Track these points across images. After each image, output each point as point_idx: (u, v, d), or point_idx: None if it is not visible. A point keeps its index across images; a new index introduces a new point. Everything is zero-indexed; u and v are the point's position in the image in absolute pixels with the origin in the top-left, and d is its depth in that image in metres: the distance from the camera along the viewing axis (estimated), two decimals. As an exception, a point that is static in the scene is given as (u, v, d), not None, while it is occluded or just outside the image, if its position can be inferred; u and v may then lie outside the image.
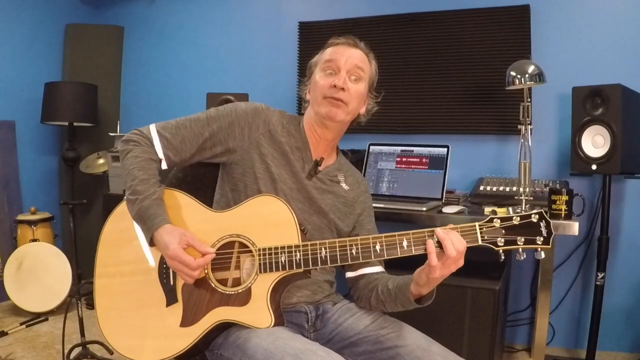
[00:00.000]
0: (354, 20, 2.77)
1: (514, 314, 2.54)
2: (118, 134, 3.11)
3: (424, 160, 2.29)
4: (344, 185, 1.34)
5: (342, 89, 1.22)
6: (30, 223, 2.95)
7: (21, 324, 2.63)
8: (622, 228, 2.36)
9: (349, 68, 1.24)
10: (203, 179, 1.40)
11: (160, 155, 1.22)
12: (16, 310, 2.78)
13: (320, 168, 1.30)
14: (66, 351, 2.14)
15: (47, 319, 2.73)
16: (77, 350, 2.19)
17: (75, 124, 3.04)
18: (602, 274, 2.11)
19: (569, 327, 2.48)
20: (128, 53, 3.53)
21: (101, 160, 3.08)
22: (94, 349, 2.21)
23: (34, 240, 2.93)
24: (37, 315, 2.73)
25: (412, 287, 1.12)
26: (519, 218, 1.06)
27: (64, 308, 2.61)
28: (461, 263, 1.05)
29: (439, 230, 1.05)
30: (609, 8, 2.36)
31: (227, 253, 1.14)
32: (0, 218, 3.04)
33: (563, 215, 1.80)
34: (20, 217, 3.00)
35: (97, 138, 3.33)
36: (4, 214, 3.06)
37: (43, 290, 2.78)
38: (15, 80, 3.14)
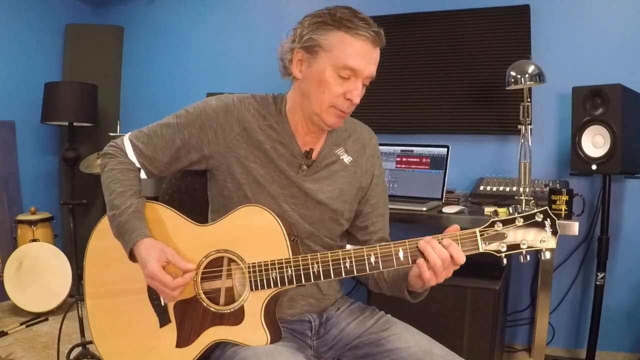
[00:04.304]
0: (354, 20, 2.77)
1: (514, 314, 2.54)
2: (118, 134, 3.11)
3: (424, 160, 2.29)
4: (344, 158, 1.22)
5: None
6: (30, 223, 2.95)
7: (21, 324, 2.63)
8: (622, 228, 2.36)
9: (366, 76, 1.10)
10: (202, 178, 1.39)
11: (137, 165, 1.17)
12: (16, 310, 2.78)
13: (312, 157, 1.18)
14: (66, 351, 2.14)
15: (47, 319, 2.73)
16: (77, 350, 2.19)
17: (75, 124, 3.04)
18: (602, 274, 2.11)
19: (569, 327, 2.48)
20: (128, 53, 3.53)
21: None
22: (94, 349, 2.20)
23: (34, 240, 2.92)
24: (37, 315, 2.73)
25: (408, 286, 1.12)
26: (522, 219, 0.99)
27: (64, 308, 2.62)
28: (453, 268, 1.01)
29: (421, 243, 1.01)
30: (609, 8, 2.36)
31: (216, 271, 1.10)
32: (0, 218, 3.04)
33: (563, 215, 1.80)
34: (20, 217, 3.00)
35: (97, 138, 3.33)
36: (4, 214, 3.06)
37: (43, 290, 2.78)
38: (15, 80, 3.14)
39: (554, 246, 0.98)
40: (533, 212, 0.99)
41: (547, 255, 0.99)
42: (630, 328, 2.36)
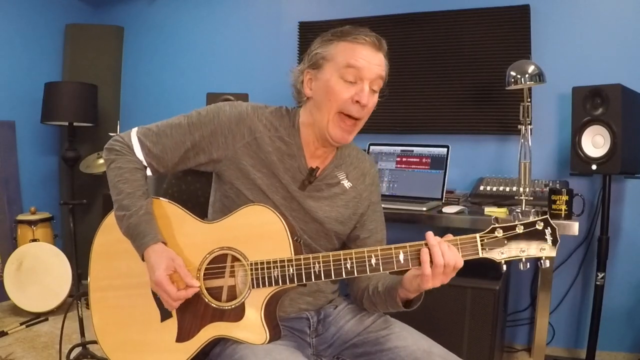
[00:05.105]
0: (354, 20, 2.77)
1: (514, 314, 2.54)
2: (118, 134, 3.11)
3: (424, 160, 2.29)
4: (345, 183, 1.24)
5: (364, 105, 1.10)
6: (30, 223, 2.95)
7: (21, 324, 2.63)
8: (622, 228, 2.36)
9: (372, 79, 1.11)
10: (202, 178, 1.39)
11: (144, 163, 1.17)
12: (16, 310, 2.78)
13: (316, 175, 1.20)
14: (66, 351, 2.14)
15: (47, 319, 2.73)
16: (77, 350, 2.19)
17: (75, 124, 3.04)
18: (602, 274, 2.11)
19: (569, 327, 2.48)
20: (128, 53, 3.53)
21: (101, 160, 3.07)
22: (94, 349, 2.21)
23: (34, 240, 2.92)
24: (37, 315, 2.73)
25: (401, 291, 1.11)
26: (522, 227, 0.99)
27: (64, 308, 2.62)
28: (451, 274, 1.01)
29: (430, 237, 1.01)
30: (609, 8, 2.36)
31: (219, 267, 1.11)
32: (0, 218, 3.04)
33: (563, 215, 1.80)
34: (20, 217, 3.00)
35: (97, 138, 3.32)
36: (4, 214, 3.06)
37: (43, 290, 2.78)
38: (15, 80, 3.14)
39: (554, 255, 0.99)
40: (534, 220, 1.00)
41: (547, 263, 1.00)
42: (630, 328, 2.36)
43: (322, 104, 1.14)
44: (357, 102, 1.10)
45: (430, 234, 1.01)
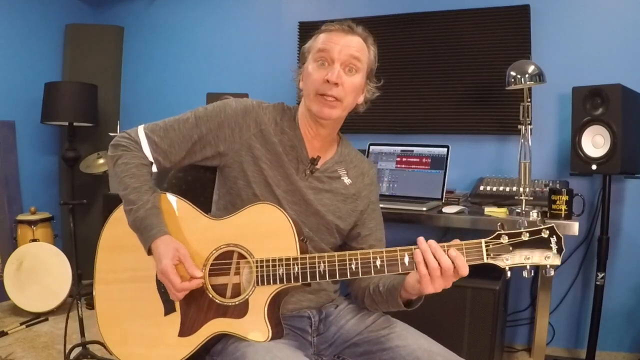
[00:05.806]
0: (354, 20, 2.76)
1: (514, 314, 2.54)
2: (119, 132, 3.11)
3: (424, 160, 2.29)
4: (345, 179, 1.27)
5: (336, 84, 1.13)
6: (30, 223, 2.95)
7: (21, 324, 2.63)
8: (622, 228, 2.36)
9: (343, 59, 1.15)
10: (202, 177, 1.39)
11: (150, 158, 1.18)
12: (16, 310, 2.78)
13: (317, 166, 1.23)
14: (66, 351, 2.14)
15: (47, 319, 2.73)
16: (77, 350, 2.19)
17: (75, 124, 3.04)
18: (602, 274, 2.11)
19: (569, 327, 2.48)
20: (128, 53, 3.53)
21: (101, 160, 3.08)
22: (94, 349, 2.21)
23: (34, 240, 2.93)
24: (37, 315, 2.73)
25: (402, 293, 1.12)
26: (528, 234, 0.99)
27: (64, 308, 2.63)
28: (452, 279, 1.01)
29: (421, 242, 1.01)
30: (609, 8, 2.36)
31: (225, 264, 1.12)
32: (0, 218, 3.04)
33: (563, 215, 1.80)
34: (20, 217, 3.00)
35: (97, 138, 3.33)
36: (4, 214, 3.06)
37: (43, 290, 2.78)
38: (15, 80, 3.14)
39: (559, 263, 0.99)
40: (540, 228, 1.00)
41: (551, 272, 0.99)
42: (630, 328, 2.36)
43: (305, 91, 1.20)
44: (327, 81, 1.14)
45: (421, 239, 1.01)
